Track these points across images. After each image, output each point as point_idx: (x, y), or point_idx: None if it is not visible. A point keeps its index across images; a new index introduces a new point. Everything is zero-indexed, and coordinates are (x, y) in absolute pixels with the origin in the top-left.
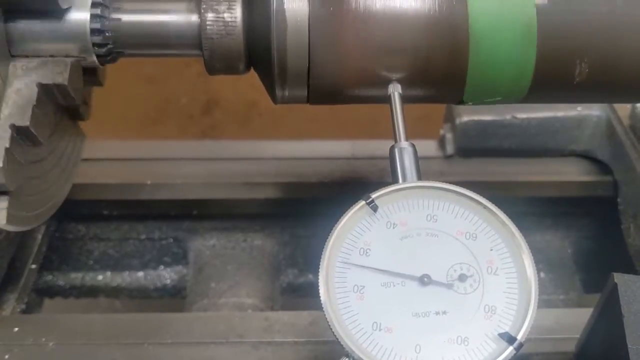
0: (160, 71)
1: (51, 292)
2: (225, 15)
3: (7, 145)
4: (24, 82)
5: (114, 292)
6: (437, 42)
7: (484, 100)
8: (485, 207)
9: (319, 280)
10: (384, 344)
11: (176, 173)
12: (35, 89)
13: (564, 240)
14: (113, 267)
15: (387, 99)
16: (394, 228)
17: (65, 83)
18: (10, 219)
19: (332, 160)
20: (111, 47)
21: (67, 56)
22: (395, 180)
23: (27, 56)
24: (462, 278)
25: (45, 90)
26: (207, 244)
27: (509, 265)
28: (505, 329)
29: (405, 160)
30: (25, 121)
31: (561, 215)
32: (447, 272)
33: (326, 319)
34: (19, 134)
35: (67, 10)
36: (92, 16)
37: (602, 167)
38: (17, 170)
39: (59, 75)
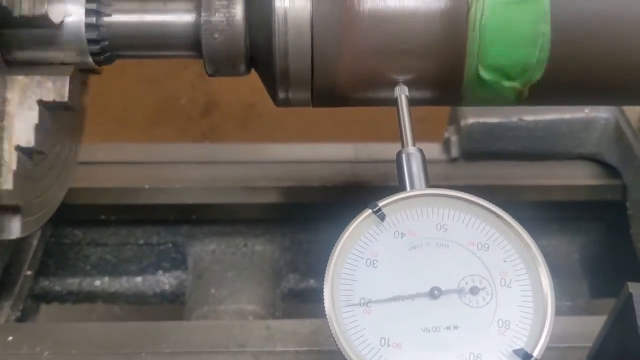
0: (158, 72)
1: (47, 297)
2: (225, 15)
3: (15, 167)
4: (24, 101)
5: (111, 297)
6: (446, 42)
7: (488, 101)
8: (497, 216)
9: (324, 293)
10: None
11: (175, 177)
12: (37, 107)
13: (571, 245)
14: (111, 272)
15: (393, 102)
16: (402, 238)
17: (66, 100)
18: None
19: (335, 163)
20: (108, 54)
21: (63, 63)
22: (402, 188)
23: (22, 63)
24: (474, 291)
25: (46, 107)
26: (206, 249)
27: (524, 277)
28: (520, 344)
29: (413, 167)
30: (30, 142)
31: (568, 220)
32: (458, 285)
33: (331, 333)
34: (25, 154)
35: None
36: (87, 25)
37: (610, 170)
38: (24, 185)
39: (58, 92)
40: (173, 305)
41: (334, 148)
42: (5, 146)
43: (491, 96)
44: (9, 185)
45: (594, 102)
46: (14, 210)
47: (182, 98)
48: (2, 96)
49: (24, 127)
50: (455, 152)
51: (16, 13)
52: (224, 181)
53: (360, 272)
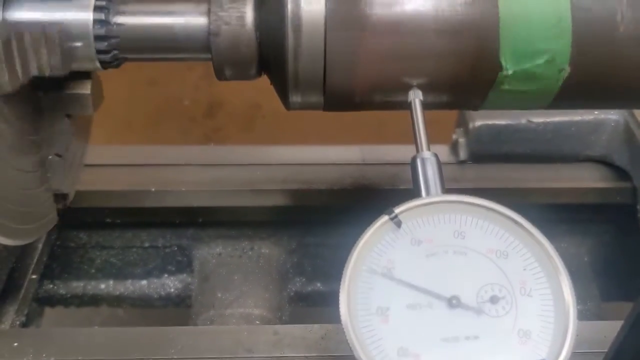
0: (162, 74)
1: (52, 301)
2: (236, 17)
3: None
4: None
5: (116, 301)
6: (465, 45)
7: (508, 105)
8: (517, 223)
9: (340, 301)
10: None
11: (181, 179)
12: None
13: (581, 248)
14: (116, 275)
15: (406, 106)
16: (419, 245)
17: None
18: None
19: (341, 166)
20: (116, 53)
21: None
22: (417, 193)
23: None
24: (493, 300)
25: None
26: (212, 252)
27: (544, 286)
28: (542, 355)
29: (429, 172)
30: None
31: (578, 223)
32: (478, 293)
33: (348, 343)
34: None
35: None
36: (95, 21)
37: (620, 173)
38: None
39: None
40: (178, 308)
41: (340, 150)
42: None
43: (514, 102)
44: None
45: (618, 105)
46: None
47: (186, 99)
48: None
49: None
50: (463, 154)
51: None
52: (230, 184)
53: (377, 280)
